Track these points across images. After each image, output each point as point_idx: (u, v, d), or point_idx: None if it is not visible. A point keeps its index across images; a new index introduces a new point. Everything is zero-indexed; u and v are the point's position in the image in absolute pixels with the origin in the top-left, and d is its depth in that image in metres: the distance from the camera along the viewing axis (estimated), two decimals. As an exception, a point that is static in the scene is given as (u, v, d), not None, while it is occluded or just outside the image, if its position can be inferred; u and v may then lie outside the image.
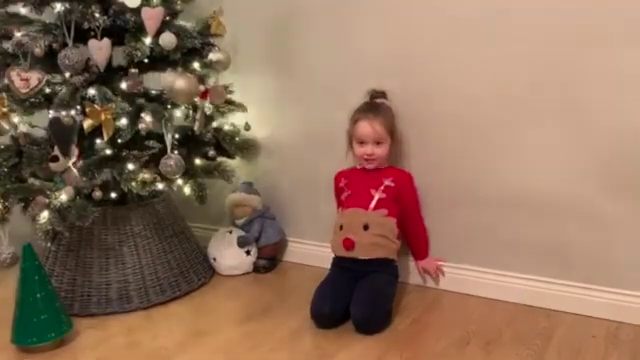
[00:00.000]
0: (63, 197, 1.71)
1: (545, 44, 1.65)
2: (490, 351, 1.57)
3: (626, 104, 1.58)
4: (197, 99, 1.93)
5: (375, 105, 1.84)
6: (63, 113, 1.69)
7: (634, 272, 1.66)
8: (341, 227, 1.83)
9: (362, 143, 1.83)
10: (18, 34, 1.72)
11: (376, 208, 1.81)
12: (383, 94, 1.86)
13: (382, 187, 1.82)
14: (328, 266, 1.91)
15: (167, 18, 1.82)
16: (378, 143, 1.81)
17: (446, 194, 1.91)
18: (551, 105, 1.68)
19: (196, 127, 1.95)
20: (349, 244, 1.78)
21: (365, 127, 1.81)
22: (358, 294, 1.73)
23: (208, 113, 2.05)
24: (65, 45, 1.71)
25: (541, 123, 1.71)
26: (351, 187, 1.89)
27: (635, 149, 1.59)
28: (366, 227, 1.78)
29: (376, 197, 1.81)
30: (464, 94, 1.80)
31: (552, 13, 1.62)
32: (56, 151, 1.71)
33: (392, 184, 1.83)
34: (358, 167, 1.91)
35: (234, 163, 2.22)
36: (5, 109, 1.74)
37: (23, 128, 1.83)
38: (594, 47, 1.59)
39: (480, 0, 1.72)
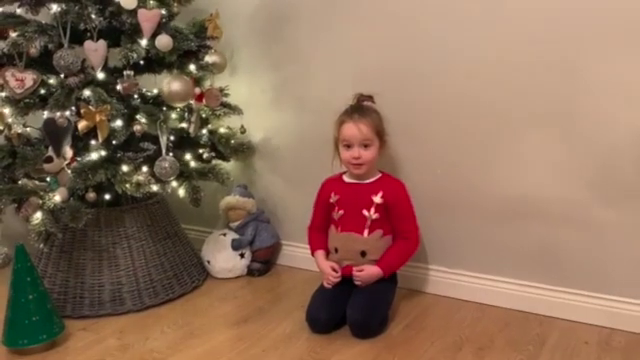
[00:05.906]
0: (57, 198, 1.71)
1: (542, 50, 1.65)
2: (482, 357, 1.57)
3: (619, 111, 1.58)
4: (192, 101, 1.93)
5: (361, 107, 1.80)
6: (58, 114, 1.68)
7: (627, 279, 1.66)
8: (336, 250, 1.81)
9: (348, 147, 1.76)
10: (13, 34, 1.71)
11: (371, 232, 1.77)
12: (370, 97, 1.82)
13: (373, 207, 1.77)
14: (322, 270, 1.91)
15: (163, 20, 1.82)
16: (365, 146, 1.75)
17: (440, 199, 1.91)
18: (546, 111, 1.69)
19: (191, 129, 1.95)
20: (348, 272, 1.77)
21: (351, 128, 1.75)
22: (356, 298, 1.73)
23: (203, 115, 2.05)
24: (61, 46, 1.71)
25: (535, 130, 1.71)
26: (343, 206, 1.80)
27: (628, 156, 1.60)
28: (363, 253, 1.76)
29: (369, 221, 1.77)
30: (460, 100, 1.80)
31: (548, 19, 1.62)
32: (50, 152, 1.71)
33: (381, 200, 1.76)
34: (346, 179, 1.85)
35: (229, 166, 2.22)
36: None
37: (17, 128, 1.82)
38: (591, 54, 1.59)
39: (476, 4, 1.73)
